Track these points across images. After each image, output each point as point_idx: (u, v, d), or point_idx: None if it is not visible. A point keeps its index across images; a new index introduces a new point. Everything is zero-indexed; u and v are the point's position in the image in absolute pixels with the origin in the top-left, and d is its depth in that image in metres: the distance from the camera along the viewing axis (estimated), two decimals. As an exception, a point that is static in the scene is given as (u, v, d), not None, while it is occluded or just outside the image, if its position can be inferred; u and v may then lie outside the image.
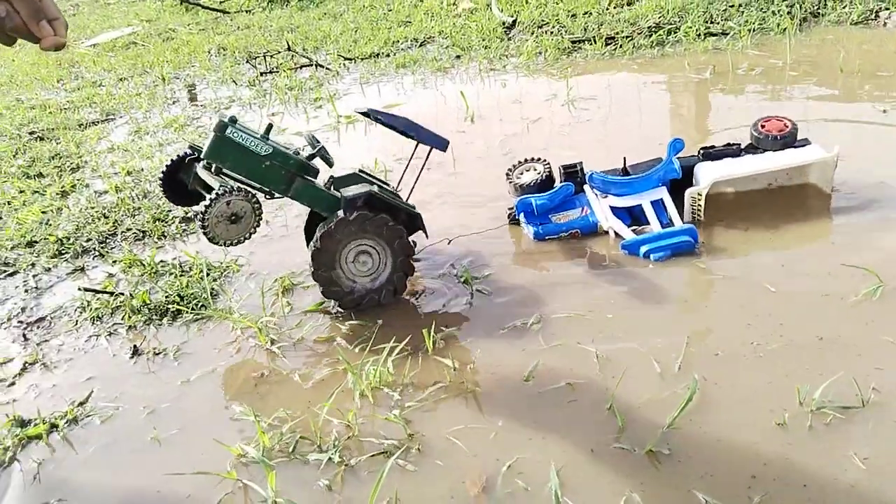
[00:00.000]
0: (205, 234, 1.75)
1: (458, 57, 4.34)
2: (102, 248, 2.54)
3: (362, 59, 4.63)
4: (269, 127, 1.85)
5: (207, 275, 2.19)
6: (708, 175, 2.08)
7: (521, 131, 3.06)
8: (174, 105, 4.34)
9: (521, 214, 2.19)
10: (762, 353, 1.55)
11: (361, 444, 1.47)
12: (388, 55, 4.62)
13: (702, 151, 2.18)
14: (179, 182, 1.95)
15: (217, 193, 1.71)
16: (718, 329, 1.66)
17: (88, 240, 2.59)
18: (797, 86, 3.07)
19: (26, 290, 2.34)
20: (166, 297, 2.11)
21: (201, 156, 1.82)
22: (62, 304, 2.22)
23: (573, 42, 4.13)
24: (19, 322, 2.17)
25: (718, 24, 3.98)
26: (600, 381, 1.54)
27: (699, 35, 3.87)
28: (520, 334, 1.75)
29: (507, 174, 2.33)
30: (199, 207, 1.72)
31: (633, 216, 2.13)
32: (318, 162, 1.90)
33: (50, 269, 2.46)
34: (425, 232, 2.01)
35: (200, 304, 2.07)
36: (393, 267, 1.90)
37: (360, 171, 2.09)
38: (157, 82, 4.91)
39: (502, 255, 2.11)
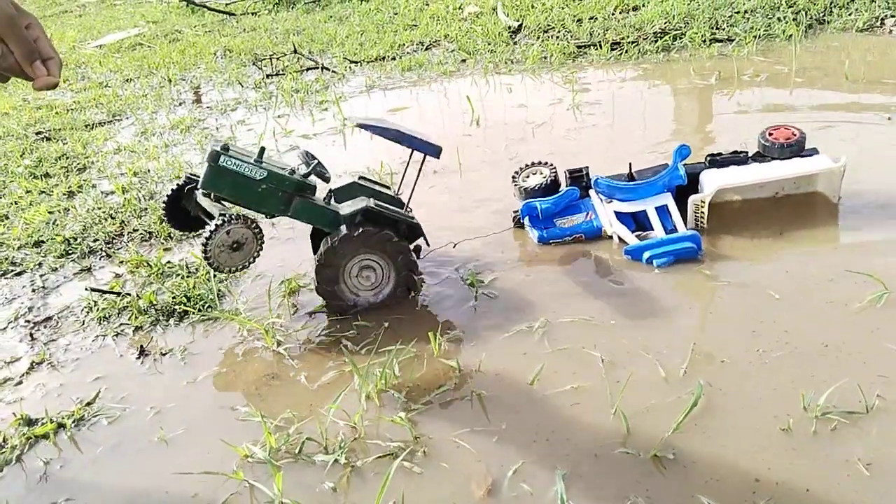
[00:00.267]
0: (209, 264, 1.77)
1: (463, 61, 4.36)
2: (109, 248, 2.56)
3: (368, 62, 4.65)
4: (262, 150, 1.83)
5: (214, 276, 2.20)
6: (712, 182, 2.08)
7: (526, 135, 3.07)
8: (180, 106, 4.36)
9: (526, 218, 2.20)
10: (767, 360, 1.56)
11: (367, 446, 1.48)
12: (393, 59, 4.63)
13: (708, 158, 2.18)
14: (182, 209, 1.99)
15: (216, 224, 1.73)
16: (723, 335, 1.66)
17: (95, 240, 2.61)
18: (802, 92, 3.07)
19: (33, 290, 2.36)
20: (173, 297, 2.12)
21: (198, 185, 1.83)
22: (69, 304, 2.23)
23: (579, 47, 4.14)
24: (26, 321, 2.18)
25: (724, 30, 3.99)
26: (605, 385, 1.55)
27: (704, 41, 3.88)
28: (525, 338, 1.76)
29: (513, 178, 2.34)
30: (202, 239, 1.74)
31: (637, 222, 2.13)
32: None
33: (57, 269, 2.47)
34: (426, 240, 2.02)
35: (207, 305, 2.08)
36: (396, 282, 1.92)
37: (361, 177, 2.10)
38: (164, 83, 4.93)
39: (507, 259, 2.12)
